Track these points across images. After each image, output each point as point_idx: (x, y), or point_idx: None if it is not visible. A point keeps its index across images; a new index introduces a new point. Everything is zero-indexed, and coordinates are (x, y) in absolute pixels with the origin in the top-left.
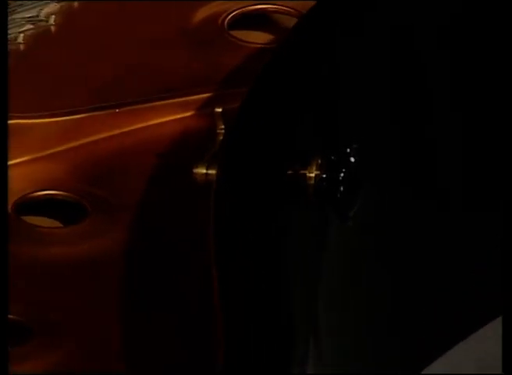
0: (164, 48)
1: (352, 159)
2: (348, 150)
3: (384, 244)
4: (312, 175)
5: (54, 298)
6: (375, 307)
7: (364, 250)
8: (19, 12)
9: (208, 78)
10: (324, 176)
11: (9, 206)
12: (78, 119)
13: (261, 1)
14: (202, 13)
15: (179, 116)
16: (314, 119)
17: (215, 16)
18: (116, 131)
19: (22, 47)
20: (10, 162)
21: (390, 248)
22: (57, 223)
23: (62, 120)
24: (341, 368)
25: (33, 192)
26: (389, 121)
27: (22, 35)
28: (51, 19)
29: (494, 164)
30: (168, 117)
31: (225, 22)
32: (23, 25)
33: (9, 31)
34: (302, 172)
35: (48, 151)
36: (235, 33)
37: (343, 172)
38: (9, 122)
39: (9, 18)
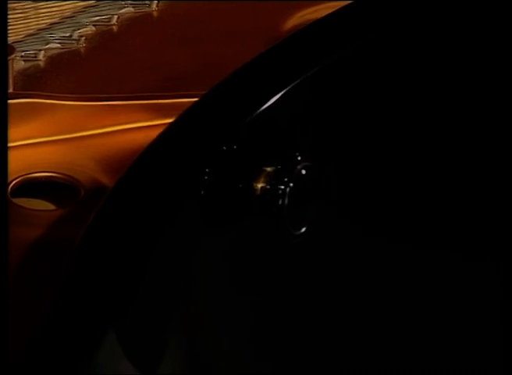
0: (251, 50)
1: (303, 172)
2: (298, 160)
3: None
4: (258, 186)
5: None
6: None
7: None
8: None
9: None
10: (268, 187)
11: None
12: (111, 105)
13: None
14: (294, 20)
15: None
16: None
17: (306, 23)
18: (153, 122)
19: (115, 28)
20: (24, 142)
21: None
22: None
23: (93, 105)
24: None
25: (31, 173)
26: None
27: (116, 17)
28: (154, 5)
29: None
30: None
31: None
32: (123, 7)
33: (105, 12)
34: (250, 183)
35: (65, 136)
36: None
37: (285, 184)
38: (30, 100)
39: None
